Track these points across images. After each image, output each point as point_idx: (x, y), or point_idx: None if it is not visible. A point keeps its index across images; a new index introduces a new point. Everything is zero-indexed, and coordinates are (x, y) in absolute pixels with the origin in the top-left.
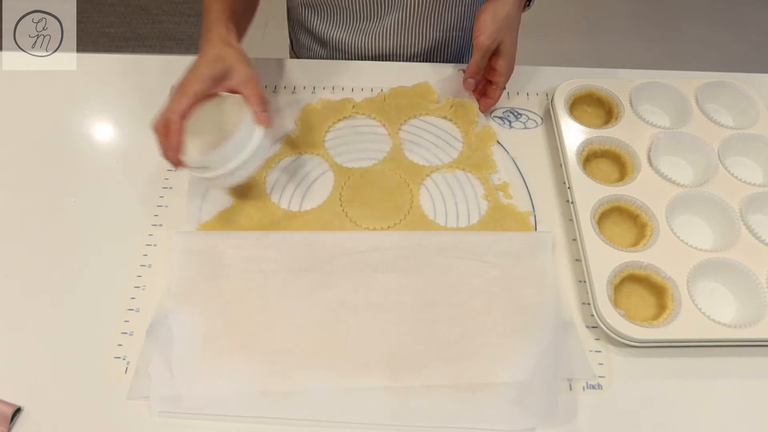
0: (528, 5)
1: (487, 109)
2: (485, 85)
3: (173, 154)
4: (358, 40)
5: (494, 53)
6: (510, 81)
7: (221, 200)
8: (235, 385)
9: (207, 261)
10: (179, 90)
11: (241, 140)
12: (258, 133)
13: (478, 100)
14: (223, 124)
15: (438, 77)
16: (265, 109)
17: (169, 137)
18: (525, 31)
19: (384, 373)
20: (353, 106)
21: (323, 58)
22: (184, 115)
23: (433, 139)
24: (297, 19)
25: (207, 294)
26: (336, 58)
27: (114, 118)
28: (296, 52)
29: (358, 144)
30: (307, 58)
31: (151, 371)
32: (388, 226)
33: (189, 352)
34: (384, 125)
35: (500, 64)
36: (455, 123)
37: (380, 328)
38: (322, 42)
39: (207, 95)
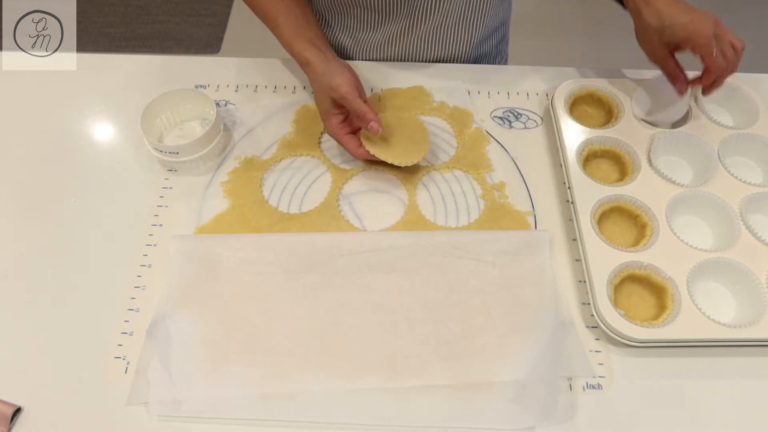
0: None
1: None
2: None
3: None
4: (363, 47)
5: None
6: (510, 81)
7: (218, 204)
8: (235, 387)
9: (205, 264)
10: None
11: (208, 137)
12: (220, 133)
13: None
14: (201, 117)
15: (435, 78)
16: (366, 120)
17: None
18: (525, 31)
19: (383, 373)
20: None
21: None
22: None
23: (430, 138)
24: None
25: (205, 297)
26: None
27: (114, 118)
28: None
29: None
30: None
31: (150, 376)
32: (407, 164)
33: (188, 356)
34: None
35: (689, 33)
36: (450, 123)
37: (379, 329)
38: None
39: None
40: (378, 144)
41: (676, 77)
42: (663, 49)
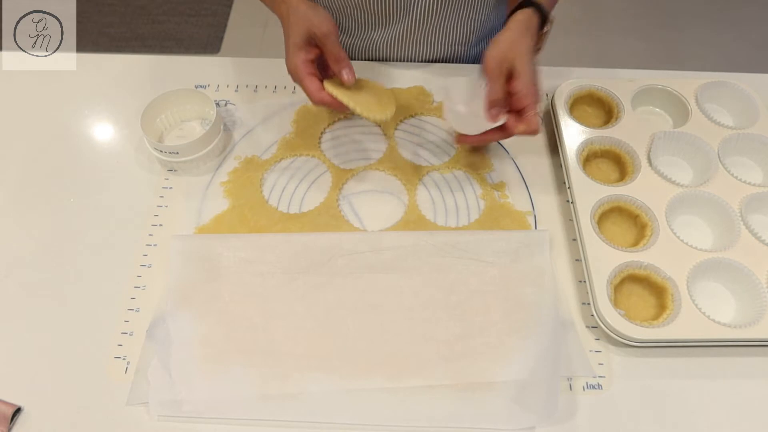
0: (542, 29)
1: (532, 133)
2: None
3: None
4: (363, 48)
5: (510, 78)
6: None
7: (218, 204)
8: (235, 388)
9: (204, 264)
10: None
11: (208, 137)
12: (220, 133)
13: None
14: (201, 117)
15: (435, 79)
16: (341, 66)
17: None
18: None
19: (384, 374)
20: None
21: None
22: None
23: (430, 137)
24: None
25: (205, 297)
26: None
27: (114, 118)
28: None
29: (354, 145)
30: None
31: (150, 376)
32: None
33: (188, 356)
34: (379, 125)
35: (515, 85)
36: None
37: (379, 329)
38: None
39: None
40: (342, 90)
41: (497, 103)
42: (504, 67)
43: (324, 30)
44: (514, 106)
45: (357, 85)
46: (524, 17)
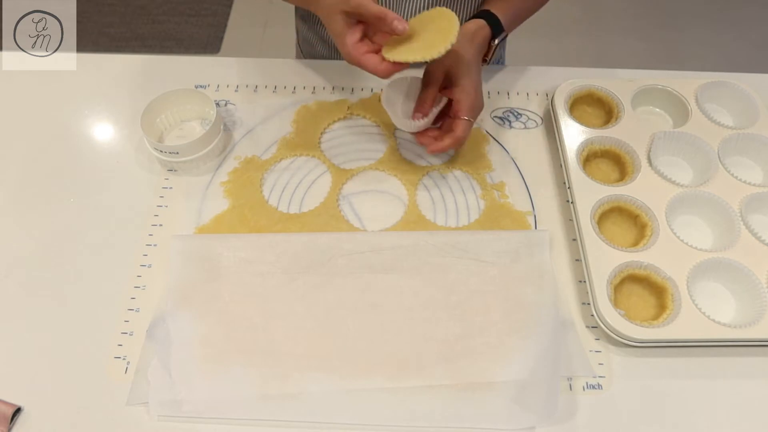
0: (494, 41)
1: (456, 145)
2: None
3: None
4: None
5: (449, 85)
6: (510, 81)
7: (218, 204)
8: (235, 388)
9: (205, 264)
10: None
11: (208, 137)
12: (220, 133)
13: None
14: (201, 117)
15: None
16: (388, 21)
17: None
18: (526, 31)
19: (384, 373)
20: (348, 107)
21: (325, 56)
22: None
23: None
24: (301, 15)
25: (205, 297)
26: (336, 58)
27: (114, 118)
28: (300, 47)
29: (354, 145)
30: (310, 54)
31: (150, 376)
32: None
33: (188, 356)
34: (379, 125)
35: (454, 92)
36: None
37: (379, 329)
38: (324, 40)
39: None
40: (400, 49)
41: (426, 106)
42: (440, 73)
43: (353, 2)
44: (452, 111)
45: (414, 28)
46: (474, 27)
